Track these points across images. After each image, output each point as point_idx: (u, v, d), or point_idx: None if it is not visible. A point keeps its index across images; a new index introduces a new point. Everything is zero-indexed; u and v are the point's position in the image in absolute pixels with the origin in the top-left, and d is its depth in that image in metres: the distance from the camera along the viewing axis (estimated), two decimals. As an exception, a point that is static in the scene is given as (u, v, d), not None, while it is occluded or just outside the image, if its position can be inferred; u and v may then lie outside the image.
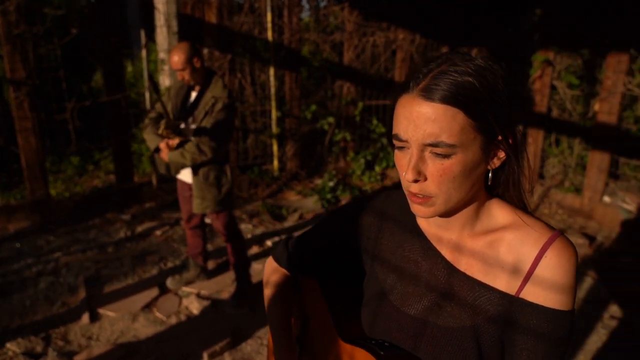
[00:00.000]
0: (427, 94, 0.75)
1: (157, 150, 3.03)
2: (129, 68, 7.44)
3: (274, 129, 5.48)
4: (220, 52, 4.80)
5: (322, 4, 5.68)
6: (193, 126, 2.99)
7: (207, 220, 4.05)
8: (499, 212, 0.87)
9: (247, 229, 4.51)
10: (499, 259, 0.84)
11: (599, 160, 4.60)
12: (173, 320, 3.10)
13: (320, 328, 1.04)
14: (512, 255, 0.83)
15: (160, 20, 4.55)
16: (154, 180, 5.24)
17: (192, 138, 2.92)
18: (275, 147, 5.59)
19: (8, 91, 4.73)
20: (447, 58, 0.78)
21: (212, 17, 4.70)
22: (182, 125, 3.02)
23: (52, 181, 5.18)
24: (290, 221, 4.77)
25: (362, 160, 5.96)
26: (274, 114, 5.43)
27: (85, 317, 3.05)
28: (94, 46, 4.48)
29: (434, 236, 0.92)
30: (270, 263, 1.15)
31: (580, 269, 3.89)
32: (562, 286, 0.80)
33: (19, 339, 2.82)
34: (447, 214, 0.86)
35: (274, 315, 1.10)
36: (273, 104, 5.37)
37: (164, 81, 5.17)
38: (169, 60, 2.96)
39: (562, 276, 0.79)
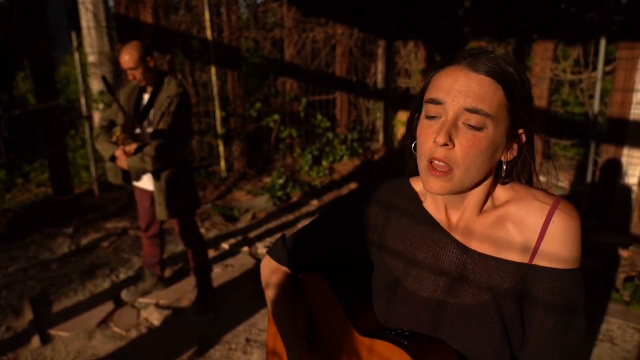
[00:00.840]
0: (475, 67, 0.81)
1: (113, 159, 2.87)
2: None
3: (219, 129, 5.37)
4: (159, 53, 4.63)
5: (260, 1, 5.63)
6: (149, 130, 2.86)
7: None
8: (500, 190, 0.92)
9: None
10: (508, 233, 0.88)
11: (533, 143, 4.90)
12: (133, 334, 2.96)
13: (331, 323, 1.02)
14: (520, 227, 0.87)
15: (89, 21, 4.30)
16: (96, 190, 4.98)
17: (151, 141, 2.79)
18: (221, 148, 5.47)
19: None
20: (486, 50, 0.84)
21: (147, 17, 4.52)
22: (138, 130, 2.88)
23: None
24: (244, 222, 4.70)
25: (310, 156, 5.97)
26: (218, 114, 5.32)
27: (36, 341, 2.85)
28: (19, 50, 4.16)
29: (442, 220, 0.94)
30: (268, 263, 1.12)
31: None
32: (572, 248, 0.85)
33: (-37, 372, 2.59)
34: (458, 194, 0.88)
35: (282, 318, 1.07)
36: (217, 104, 5.26)
37: (95, 86, 4.90)
38: (118, 59, 2.80)
39: (571, 239, 0.85)
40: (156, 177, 2.85)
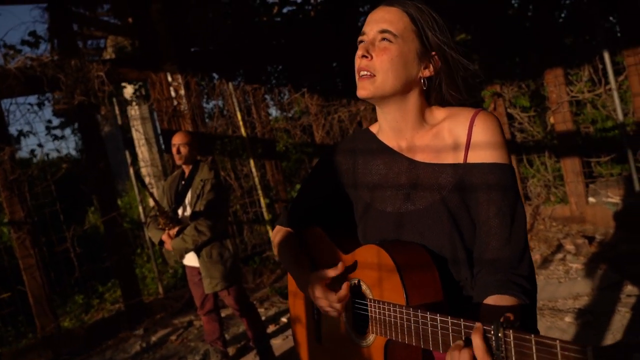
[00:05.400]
0: (389, 3, 1.08)
1: (161, 243, 3.19)
2: (119, 202, 7.79)
3: (266, 215, 5.69)
4: (201, 155, 5.15)
5: (285, 97, 6.23)
6: (189, 210, 3.19)
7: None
8: (437, 112, 1.11)
9: (260, 312, 4.51)
10: (444, 142, 1.06)
11: (571, 166, 4.86)
12: (203, 408, 3.03)
13: (328, 261, 1.18)
14: (452, 136, 1.06)
15: (139, 139, 4.93)
16: (161, 290, 5.28)
17: (190, 222, 3.11)
18: (270, 233, 5.74)
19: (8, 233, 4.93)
20: None
21: (187, 127, 5.12)
22: (180, 213, 3.22)
23: (60, 321, 5.18)
24: (301, 297, 4.79)
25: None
26: (263, 201, 5.67)
27: None
28: (84, 175, 4.79)
29: (394, 145, 1.13)
30: (275, 229, 1.34)
31: (587, 264, 3.95)
32: (494, 143, 1.00)
33: None
34: (384, 100, 1.07)
35: (285, 257, 1.25)
36: (260, 192, 5.64)
37: (151, 202, 5.44)
38: (173, 137, 3.27)
39: (491, 135, 1.01)
40: (197, 254, 3.12)
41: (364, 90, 1.05)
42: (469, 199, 1.03)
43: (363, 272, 1.05)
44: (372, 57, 1.04)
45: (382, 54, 1.03)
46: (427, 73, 1.07)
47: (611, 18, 5.46)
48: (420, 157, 1.09)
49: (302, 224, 1.28)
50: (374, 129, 1.20)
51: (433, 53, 1.06)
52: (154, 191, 5.17)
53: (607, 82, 4.39)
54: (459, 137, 1.04)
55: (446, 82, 1.08)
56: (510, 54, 5.40)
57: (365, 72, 1.04)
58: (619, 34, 5.09)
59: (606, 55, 4.19)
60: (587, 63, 4.58)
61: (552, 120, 5.03)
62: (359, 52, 1.06)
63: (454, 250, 1.02)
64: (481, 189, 1.00)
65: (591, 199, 4.84)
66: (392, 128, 1.12)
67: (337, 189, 1.22)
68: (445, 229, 1.02)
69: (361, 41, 1.08)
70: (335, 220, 1.24)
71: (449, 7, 5.71)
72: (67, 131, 7.95)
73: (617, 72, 4.38)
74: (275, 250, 1.30)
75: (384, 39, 1.04)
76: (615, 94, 4.18)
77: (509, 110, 5.50)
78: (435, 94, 1.10)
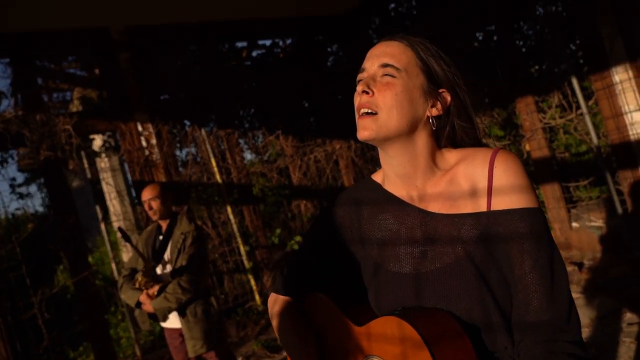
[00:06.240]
0: (390, 38, 1.00)
1: (139, 304, 2.95)
2: (90, 259, 7.42)
3: (247, 264, 5.47)
4: (176, 205, 4.96)
5: (260, 140, 6.14)
6: (168, 267, 2.99)
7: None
8: (450, 155, 0.99)
9: (247, 369, 4.24)
10: (462, 188, 0.94)
11: (551, 192, 4.86)
12: None
13: (336, 333, 1.03)
14: (469, 182, 0.94)
15: (110, 192, 4.72)
16: (138, 352, 4.96)
17: (172, 280, 2.90)
18: (252, 282, 5.51)
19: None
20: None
21: (160, 177, 4.95)
22: (159, 271, 3.01)
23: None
24: (289, 348, 4.53)
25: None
26: (242, 249, 5.47)
27: None
28: (52, 233, 4.53)
29: (403, 195, 1.00)
30: (271, 297, 1.17)
31: (582, 292, 3.87)
32: (520, 186, 0.89)
33: None
34: (389, 142, 0.95)
35: (287, 341, 1.08)
36: (239, 240, 5.44)
37: (124, 254, 5.18)
38: (142, 192, 3.08)
39: (515, 176, 0.90)
40: (181, 314, 2.90)
41: (365, 130, 0.93)
42: (496, 251, 0.89)
43: (381, 348, 0.90)
44: (373, 93, 0.94)
45: (384, 89, 0.93)
46: (435, 112, 0.97)
47: (572, 46, 5.65)
48: (434, 208, 0.96)
49: (301, 291, 1.12)
50: (377, 178, 1.07)
51: (441, 90, 0.97)
52: (128, 247, 4.92)
53: (578, 107, 4.47)
54: (478, 182, 0.92)
55: (458, 117, 0.98)
56: (480, 85, 5.49)
57: (367, 110, 0.93)
58: (581, 61, 5.25)
59: (574, 81, 4.27)
60: (556, 89, 4.67)
61: (527, 147, 5.07)
62: (359, 88, 0.95)
63: (487, 314, 0.88)
64: (512, 240, 0.87)
65: (574, 224, 4.82)
66: (399, 175, 0.99)
67: (340, 247, 1.07)
68: (473, 289, 0.88)
69: (360, 80, 0.98)
70: (340, 284, 1.09)
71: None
72: (33, 187, 7.64)
73: (586, 97, 4.47)
74: (273, 324, 1.14)
75: (386, 74, 0.94)
76: (588, 118, 4.24)
77: (483, 140, 5.54)
78: (445, 135, 0.99)
